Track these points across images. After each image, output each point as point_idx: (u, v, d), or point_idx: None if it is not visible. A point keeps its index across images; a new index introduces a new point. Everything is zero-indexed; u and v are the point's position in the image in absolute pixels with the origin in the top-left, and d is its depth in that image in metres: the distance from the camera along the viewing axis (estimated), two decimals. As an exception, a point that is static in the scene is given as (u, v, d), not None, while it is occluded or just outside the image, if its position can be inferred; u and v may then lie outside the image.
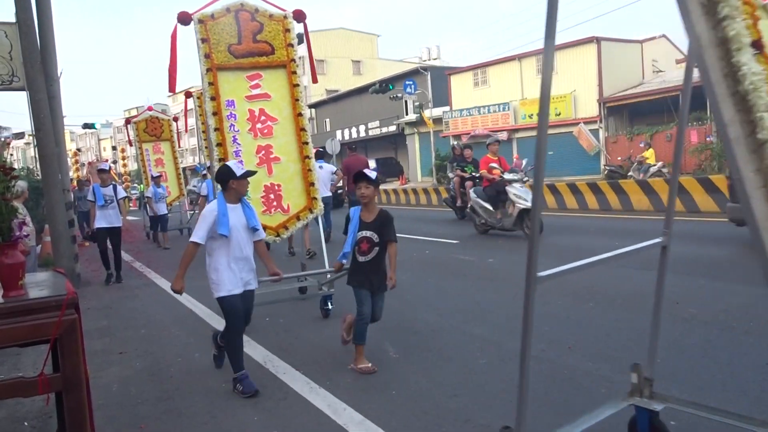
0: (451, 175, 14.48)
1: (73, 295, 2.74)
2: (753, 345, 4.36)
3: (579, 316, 5.43)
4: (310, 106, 52.11)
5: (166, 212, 14.43)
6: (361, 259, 4.47)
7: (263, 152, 6.43)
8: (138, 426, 3.77)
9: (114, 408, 4.10)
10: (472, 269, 8.19)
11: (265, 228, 5.39)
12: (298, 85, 6.64)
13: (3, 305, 2.65)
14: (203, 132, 11.98)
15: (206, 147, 11.96)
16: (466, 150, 14.20)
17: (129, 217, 24.34)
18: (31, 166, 19.22)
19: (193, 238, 4.11)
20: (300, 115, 6.61)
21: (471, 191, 11.95)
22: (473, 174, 13.26)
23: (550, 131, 28.52)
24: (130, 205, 34.18)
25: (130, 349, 5.56)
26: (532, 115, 29.66)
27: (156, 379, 4.66)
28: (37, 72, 8.69)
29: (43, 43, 9.02)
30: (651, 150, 20.98)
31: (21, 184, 6.93)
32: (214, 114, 6.19)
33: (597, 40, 27.57)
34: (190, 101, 13.40)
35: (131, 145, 28.65)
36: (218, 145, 6.15)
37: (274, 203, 6.38)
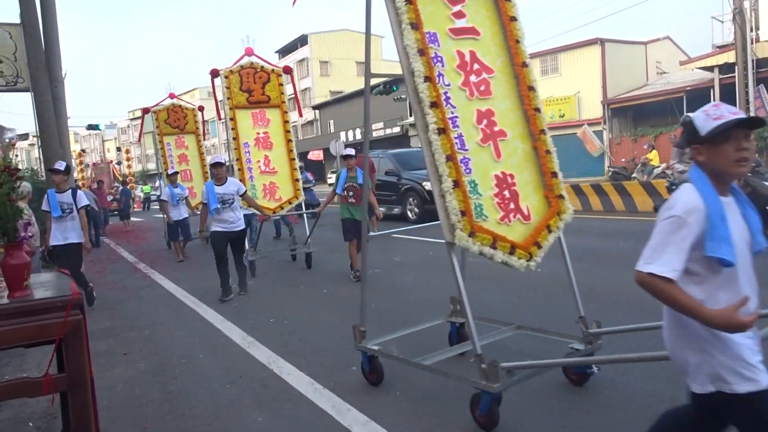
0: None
1: (77, 296, 2.75)
2: (758, 347, 4.34)
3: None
4: (314, 108, 52.31)
5: (186, 216, 12.13)
6: None
7: (485, 122, 3.91)
8: (142, 426, 3.77)
9: (118, 409, 4.10)
10: (476, 270, 8.16)
11: (514, 247, 3.65)
12: (515, 18, 4.26)
13: (8, 306, 2.66)
14: (231, 120, 9.83)
15: (234, 138, 9.72)
16: None
17: (132, 219, 24.46)
18: (35, 167, 18.94)
19: (657, 269, 1.96)
20: (524, 65, 4.19)
21: None
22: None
23: (554, 133, 28.68)
24: (134, 206, 34.31)
25: (135, 350, 5.57)
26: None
27: (160, 380, 4.67)
28: (41, 73, 8.74)
29: (48, 45, 9.06)
30: (655, 151, 20.94)
31: (26, 185, 6.94)
32: (421, 54, 3.72)
33: (601, 42, 27.56)
34: (217, 81, 10.29)
35: (140, 140, 27.98)
36: (433, 105, 3.67)
37: (511, 205, 3.87)
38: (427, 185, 13.94)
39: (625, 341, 4.49)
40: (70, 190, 7.33)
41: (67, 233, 7.21)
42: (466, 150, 3.73)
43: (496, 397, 3.28)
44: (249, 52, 10.24)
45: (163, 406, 4.09)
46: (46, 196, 7.26)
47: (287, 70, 10.82)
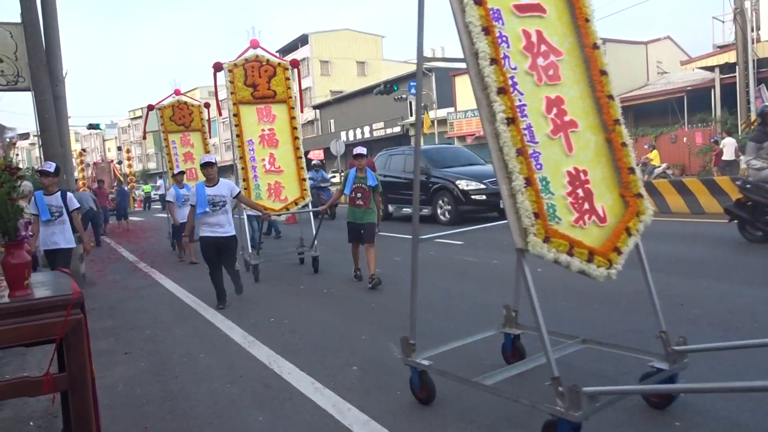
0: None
1: (78, 295, 2.75)
2: (757, 347, 4.34)
3: (584, 317, 5.43)
4: (314, 107, 52.35)
5: None
6: None
7: (555, 110, 3.45)
8: (143, 426, 3.77)
9: (119, 408, 4.11)
10: (476, 270, 8.19)
11: (592, 253, 3.20)
12: None
13: (9, 305, 2.66)
14: (235, 116, 9.23)
15: (238, 135, 9.19)
16: None
17: (132, 218, 24.47)
18: (36, 167, 18.93)
19: None
20: (595, 47, 3.77)
21: None
22: None
23: (555, 132, 28.73)
24: (135, 206, 34.33)
25: (135, 349, 5.57)
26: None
27: (161, 379, 4.67)
28: (42, 72, 8.74)
29: (49, 44, 9.07)
30: (655, 151, 20.94)
31: (27, 184, 6.95)
32: (486, 32, 3.25)
33: (602, 41, 27.54)
34: (220, 75, 9.53)
35: (144, 137, 27.94)
36: (500, 91, 3.19)
37: (586, 205, 3.39)
38: (461, 184, 13.18)
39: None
40: (59, 193, 6.97)
41: (55, 238, 6.91)
42: (536, 143, 3.26)
43: (576, 425, 2.82)
44: (254, 45, 9.50)
45: (164, 406, 4.09)
46: (33, 198, 6.82)
47: (294, 64, 10.15)
